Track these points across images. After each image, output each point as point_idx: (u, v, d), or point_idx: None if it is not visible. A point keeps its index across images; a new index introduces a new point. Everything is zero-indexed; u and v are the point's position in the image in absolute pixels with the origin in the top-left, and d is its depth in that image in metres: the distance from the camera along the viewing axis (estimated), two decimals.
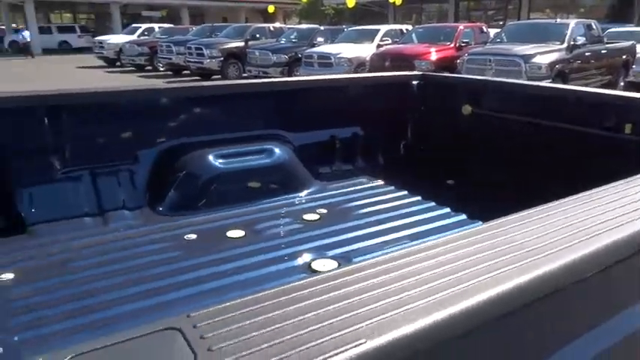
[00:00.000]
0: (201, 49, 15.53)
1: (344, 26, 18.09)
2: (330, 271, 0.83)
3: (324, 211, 2.75)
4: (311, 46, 14.33)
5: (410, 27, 15.43)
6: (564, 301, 0.90)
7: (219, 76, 15.43)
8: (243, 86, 3.28)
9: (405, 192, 3.02)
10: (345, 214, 2.72)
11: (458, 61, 10.69)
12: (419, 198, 2.93)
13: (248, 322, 0.68)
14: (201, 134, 2.85)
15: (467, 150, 3.18)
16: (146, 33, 21.57)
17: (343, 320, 0.69)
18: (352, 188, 3.10)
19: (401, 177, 3.20)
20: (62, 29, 35.12)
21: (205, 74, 15.79)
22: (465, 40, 12.10)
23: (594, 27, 11.34)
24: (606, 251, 0.91)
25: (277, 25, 20.26)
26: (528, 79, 8.89)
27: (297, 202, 2.87)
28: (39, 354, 0.63)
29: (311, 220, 2.63)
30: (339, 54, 12.78)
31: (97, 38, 23.33)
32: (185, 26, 24.68)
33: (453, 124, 3.30)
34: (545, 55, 9.69)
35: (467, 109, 3.19)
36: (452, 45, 11.89)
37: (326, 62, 12.79)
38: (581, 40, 10.36)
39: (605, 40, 11.70)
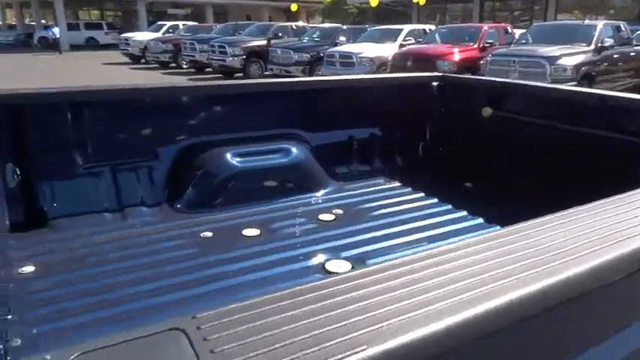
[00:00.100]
0: (224, 47, 15.66)
1: (367, 26, 18.02)
2: (344, 272, 0.83)
3: (340, 211, 2.75)
4: (333, 45, 14.32)
5: (433, 27, 15.29)
6: (589, 305, 0.89)
7: (242, 74, 15.54)
8: (262, 85, 3.30)
9: (422, 194, 3.00)
10: (361, 215, 2.71)
11: (481, 62, 10.54)
12: (436, 200, 2.90)
13: (254, 324, 0.68)
14: (220, 132, 2.87)
15: (486, 153, 3.14)
16: (171, 30, 21.84)
17: (354, 323, 0.68)
18: (369, 189, 3.09)
19: (418, 179, 3.17)
20: (89, 26, 35.78)
21: (228, 72, 15.92)
22: (489, 41, 11.94)
23: (623, 28, 11.07)
24: (632, 257, 0.90)
25: (300, 23, 20.29)
26: (553, 82, 8.73)
27: (313, 202, 2.87)
28: (53, 348, 0.64)
29: (326, 221, 2.63)
30: (361, 53, 12.75)
31: (122, 35, 23.71)
32: (209, 24, 24.92)
33: (472, 127, 3.26)
34: (571, 56, 9.50)
35: (487, 111, 3.14)
36: (475, 46, 11.75)
37: (348, 62, 12.77)
38: (609, 41, 10.13)
39: (635, 42, 11.42)
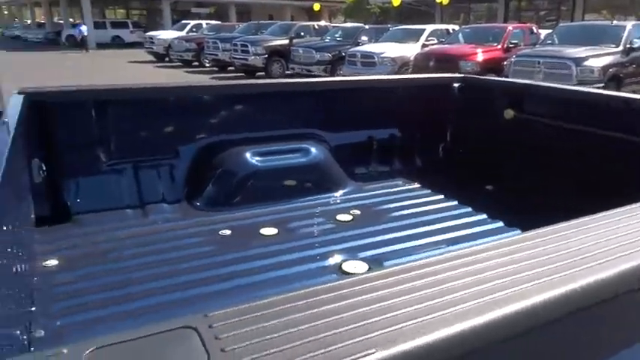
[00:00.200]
0: (247, 46, 15.77)
1: (389, 25, 17.93)
2: (360, 274, 0.83)
3: (358, 212, 2.74)
4: (355, 45, 14.27)
5: (457, 27, 15.13)
6: (619, 308, 0.89)
7: (263, 73, 15.63)
8: (282, 85, 3.32)
9: (442, 196, 2.98)
10: (379, 216, 2.71)
11: (505, 62, 10.40)
12: (455, 203, 2.88)
13: (267, 323, 0.69)
14: (239, 131, 2.90)
15: (508, 155, 3.10)
16: (194, 29, 22.07)
17: (369, 325, 0.68)
18: (387, 190, 3.08)
19: (438, 180, 3.15)
20: (115, 24, 36.40)
21: (250, 71, 16.03)
22: (513, 41, 11.75)
23: None
24: None
25: (322, 23, 20.29)
26: (579, 83, 8.56)
27: (331, 202, 2.88)
28: (75, 339, 0.66)
29: (344, 221, 2.63)
30: (382, 53, 12.69)
31: (147, 34, 24.05)
32: (232, 23, 25.10)
33: (494, 129, 3.22)
34: (599, 58, 9.30)
35: (509, 113, 3.10)
36: (499, 46, 11.58)
37: (369, 61, 12.73)
38: (638, 42, 9.88)
39: None
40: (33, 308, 1.74)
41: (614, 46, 9.73)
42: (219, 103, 2.88)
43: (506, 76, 9.60)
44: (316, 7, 30.34)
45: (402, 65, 12.46)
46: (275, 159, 2.88)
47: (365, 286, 0.78)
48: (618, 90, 8.33)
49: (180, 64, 20.07)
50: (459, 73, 4.48)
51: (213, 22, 24.49)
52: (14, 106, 2.15)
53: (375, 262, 2.19)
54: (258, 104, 2.98)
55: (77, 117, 2.52)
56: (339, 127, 3.18)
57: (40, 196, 2.36)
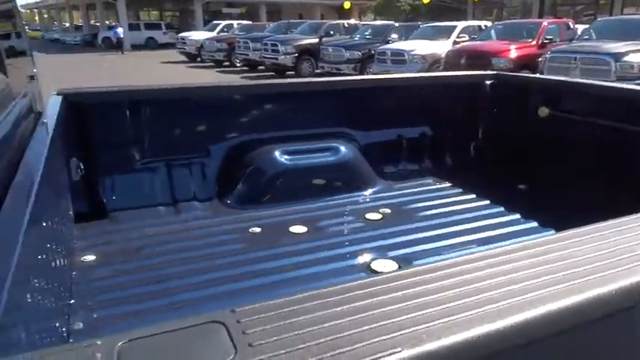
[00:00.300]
0: (277, 46, 15.87)
1: (419, 23, 17.75)
2: (389, 272, 0.83)
3: (388, 211, 2.73)
4: (385, 43, 14.19)
5: (489, 24, 14.85)
6: None
7: (293, 72, 15.71)
8: (312, 84, 3.33)
9: (474, 195, 2.93)
10: (408, 215, 2.69)
11: (539, 59, 10.14)
12: (487, 202, 2.83)
13: (294, 319, 0.70)
14: (269, 130, 2.93)
15: (542, 154, 3.03)
16: (225, 30, 22.34)
17: (394, 324, 0.68)
18: (418, 189, 3.06)
19: (469, 179, 3.11)
20: (149, 26, 37.18)
21: (280, 70, 16.15)
22: (548, 37, 11.44)
23: None
24: None
25: (352, 21, 20.26)
26: (618, 79, 8.28)
27: (360, 201, 2.87)
28: (111, 331, 0.69)
29: (374, 220, 2.63)
30: (412, 51, 12.56)
31: (180, 35, 24.50)
32: (262, 23, 25.31)
33: (527, 127, 3.15)
34: (639, 53, 8.97)
35: (543, 111, 3.03)
36: (534, 42, 11.30)
37: (399, 59, 12.62)
38: None
39: None
40: (72, 301, 1.80)
41: None
42: (249, 103, 2.92)
43: (541, 73, 9.36)
44: (346, 5, 30.30)
45: (432, 63, 12.31)
46: (305, 157, 2.90)
47: (393, 284, 0.78)
48: None
49: (211, 64, 20.36)
50: (492, 70, 4.39)
51: (244, 22, 24.74)
52: (53, 106, 2.23)
53: (404, 262, 2.18)
54: (287, 103, 3.01)
55: (113, 117, 2.59)
56: (369, 126, 3.17)
57: (78, 194, 2.44)
